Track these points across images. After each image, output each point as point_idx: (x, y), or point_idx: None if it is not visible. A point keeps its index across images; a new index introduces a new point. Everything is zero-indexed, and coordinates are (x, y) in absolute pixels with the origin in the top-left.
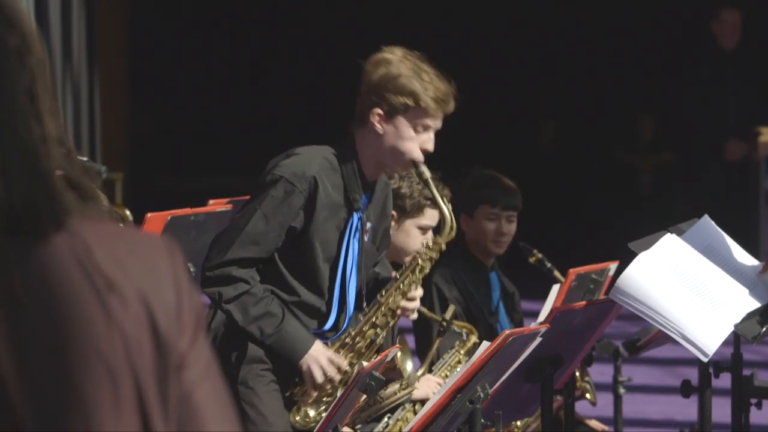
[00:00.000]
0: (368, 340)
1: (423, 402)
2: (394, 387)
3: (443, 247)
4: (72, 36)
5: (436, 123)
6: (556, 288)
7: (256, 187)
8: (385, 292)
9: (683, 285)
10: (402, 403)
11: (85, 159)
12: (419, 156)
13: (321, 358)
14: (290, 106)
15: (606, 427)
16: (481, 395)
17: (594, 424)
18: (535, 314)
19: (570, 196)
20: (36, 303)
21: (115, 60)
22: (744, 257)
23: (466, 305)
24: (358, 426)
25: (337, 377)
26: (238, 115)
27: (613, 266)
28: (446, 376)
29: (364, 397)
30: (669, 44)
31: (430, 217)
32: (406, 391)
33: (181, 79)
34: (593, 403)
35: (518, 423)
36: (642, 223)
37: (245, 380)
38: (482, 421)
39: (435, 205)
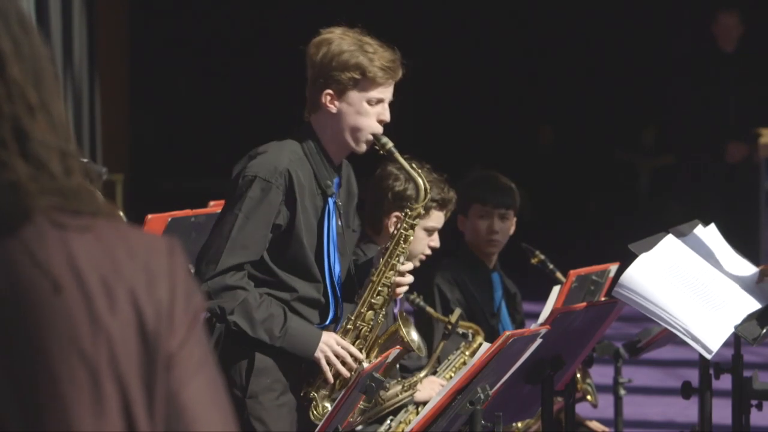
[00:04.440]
0: (370, 323)
1: (426, 404)
2: (396, 388)
3: (421, 212)
4: (72, 36)
5: (386, 93)
6: (556, 289)
7: (229, 194)
8: (375, 270)
9: (684, 285)
10: (405, 405)
11: (85, 161)
12: (378, 128)
13: (334, 345)
14: (292, 107)
15: (606, 429)
16: (482, 396)
17: (594, 425)
18: (535, 315)
19: (570, 198)
20: (15, 303)
21: (115, 60)
22: (742, 263)
23: (468, 306)
24: (360, 427)
25: (351, 361)
26: (239, 116)
27: (613, 267)
28: (451, 377)
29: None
30: (669, 48)
31: (435, 219)
32: (408, 393)
33: (182, 79)
34: (594, 405)
35: (519, 424)
36: (642, 224)
37: (254, 394)
38: (483, 422)
39: (409, 178)
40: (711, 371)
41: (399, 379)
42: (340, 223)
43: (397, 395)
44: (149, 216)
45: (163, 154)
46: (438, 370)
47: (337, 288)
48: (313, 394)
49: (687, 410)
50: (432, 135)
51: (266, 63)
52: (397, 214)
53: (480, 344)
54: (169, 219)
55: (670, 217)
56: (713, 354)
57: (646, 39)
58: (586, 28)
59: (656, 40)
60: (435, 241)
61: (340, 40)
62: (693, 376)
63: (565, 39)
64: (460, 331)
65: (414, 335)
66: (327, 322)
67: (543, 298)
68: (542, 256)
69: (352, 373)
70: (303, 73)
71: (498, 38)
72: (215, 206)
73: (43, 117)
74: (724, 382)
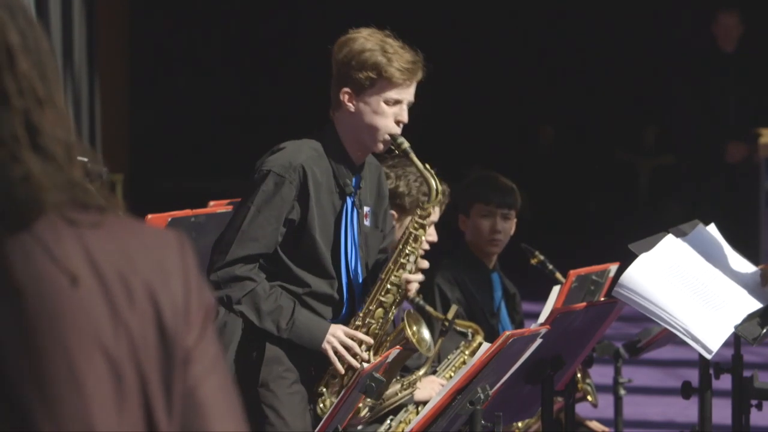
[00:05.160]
0: (380, 320)
1: (426, 404)
2: (395, 387)
3: (431, 212)
4: (72, 36)
5: (405, 94)
6: (556, 289)
7: (247, 188)
8: (385, 268)
9: (684, 285)
10: (405, 405)
11: (86, 160)
12: (395, 129)
13: (342, 337)
14: (293, 106)
15: (606, 429)
16: (482, 396)
17: (594, 425)
18: (535, 315)
19: (570, 198)
20: (34, 297)
21: (115, 60)
22: (742, 263)
23: (467, 306)
24: (360, 426)
25: (360, 351)
26: (240, 116)
27: (613, 267)
28: (450, 377)
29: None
30: (670, 48)
31: None
32: (407, 391)
33: (182, 79)
34: (594, 405)
35: (519, 424)
36: (642, 224)
37: (266, 382)
38: (483, 422)
39: (422, 178)
40: (711, 371)
41: (398, 377)
42: (366, 222)
43: (397, 394)
44: (149, 216)
45: (163, 154)
46: (438, 369)
47: (354, 286)
48: (322, 389)
49: (687, 410)
50: (432, 135)
51: (266, 63)
52: (392, 212)
53: (479, 344)
54: (169, 219)
55: (670, 217)
56: (713, 354)
57: (646, 39)
58: (587, 28)
59: (656, 41)
60: (432, 235)
61: (364, 40)
62: (693, 376)
63: (565, 39)
64: (461, 329)
65: (425, 333)
66: (339, 318)
67: (543, 298)
68: (542, 257)
69: (361, 364)
70: (303, 72)
71: (498, 38)
72: (215, 206)
73: (51, 110)
74: (724, 382)
